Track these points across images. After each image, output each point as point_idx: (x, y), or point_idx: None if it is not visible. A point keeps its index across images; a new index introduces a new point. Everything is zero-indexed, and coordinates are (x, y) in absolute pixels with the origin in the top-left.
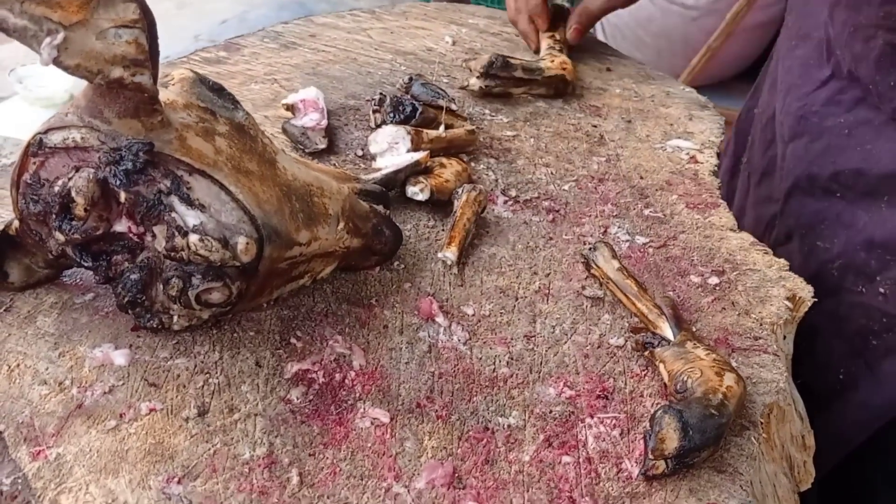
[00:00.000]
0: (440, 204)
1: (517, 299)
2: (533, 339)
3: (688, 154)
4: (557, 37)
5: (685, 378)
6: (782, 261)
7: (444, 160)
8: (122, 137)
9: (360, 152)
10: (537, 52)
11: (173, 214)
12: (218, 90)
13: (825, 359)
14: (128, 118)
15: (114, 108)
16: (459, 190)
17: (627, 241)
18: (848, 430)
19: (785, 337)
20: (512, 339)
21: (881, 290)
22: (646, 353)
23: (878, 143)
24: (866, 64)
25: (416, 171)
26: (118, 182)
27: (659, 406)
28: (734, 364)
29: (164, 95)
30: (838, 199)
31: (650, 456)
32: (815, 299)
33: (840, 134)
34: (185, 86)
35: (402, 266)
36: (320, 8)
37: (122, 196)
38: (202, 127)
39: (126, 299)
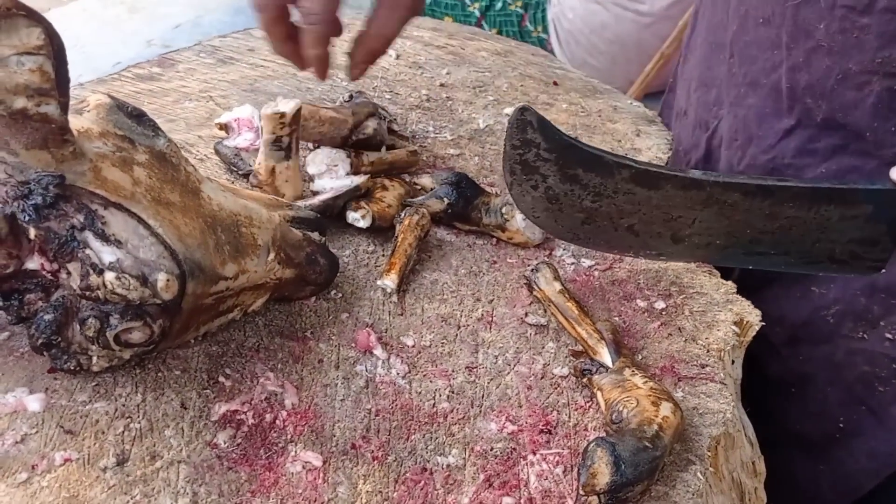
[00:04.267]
0: (381, 228)
1: (459, 328)
2: (475, 370)
3: None
4: None
5: (621, 408)
6: (729, 283)
7: (386, 181)
8: (31, 170)
9: None
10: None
11: (87, 251)
12: (137, 116)
13: (821, 407)
14: (36, 149)
15: (20, 138)
16: (401, 213)
17: (573, 263)
18: (856, 478)
19: (734, 362)
20: (453, 371)
21: (888, 335)
22: (584, 379)
23: None
24: (860, 111)
25: (355, 195)
26: (27, 218)
27: (592, 438)
28: (680, 394)
29: (78, 123)
30: None
31: (582, 492)
32: (810, 349)
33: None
34: (101, 112)
35: (340, 295)
36: None
37: (32, 232)
38: (119, 156)
39: (40, 341)
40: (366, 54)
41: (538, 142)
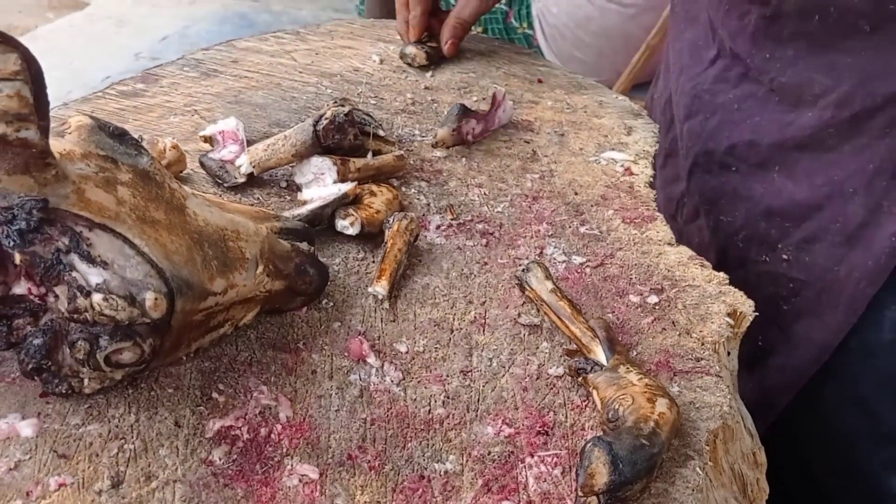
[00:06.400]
0: (370, 235)
1: (452, 332)
2: (469, 374)
3: (622, 166)
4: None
5: (616, 406)
6: (721, 274)
7: (373, 187)
8: (14, 195)
9: (284, 184)
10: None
11: (74, 273)
12: (119, 136)
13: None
14: (18, 174)
15: (1, 164)
16: (390, 218)
17: (564, 261)
18: (770, 394)
19: (729, 353)
20: (448, 375)
21: (784, 256)
22: (579, 378)
23: (764, 115)
24: (742, 40)
25: (343, 203)
26: (11, 243)
27: (589, 438)
28: (676, 388)
29: (59, 145)
30: (734, 173)
31: (580, 493)
32: (725, 273)
33: (731, 109)
34: (82, 133)
35: (331, 304)
36: (262, 19)
37: (17, 258)
38: (102, 177)
39: (30, 366)
40: (450, 33)
41: None
